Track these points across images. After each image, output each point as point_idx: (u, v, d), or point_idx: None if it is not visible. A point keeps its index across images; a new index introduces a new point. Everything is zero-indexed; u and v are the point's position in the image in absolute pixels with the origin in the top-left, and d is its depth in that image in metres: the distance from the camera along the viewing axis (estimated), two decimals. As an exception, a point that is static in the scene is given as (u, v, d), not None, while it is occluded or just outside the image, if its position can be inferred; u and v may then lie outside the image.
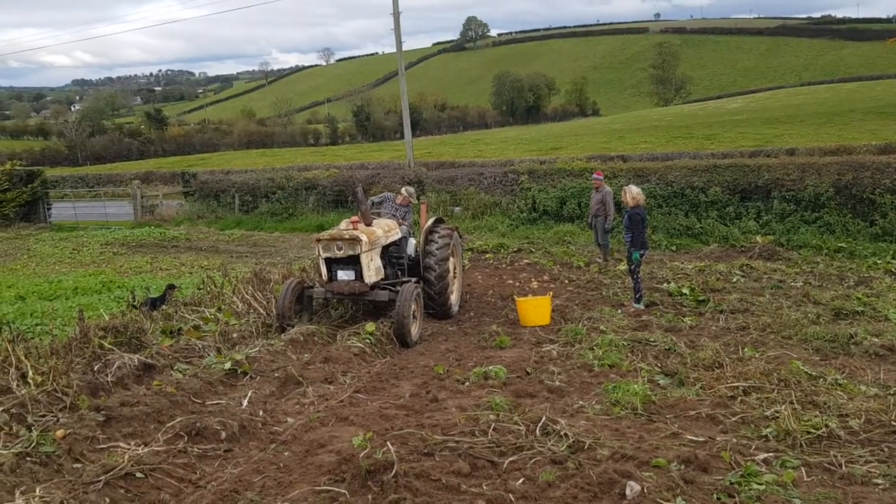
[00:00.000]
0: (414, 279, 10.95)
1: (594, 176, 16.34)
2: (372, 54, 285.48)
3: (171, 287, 11.58)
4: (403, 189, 12.50)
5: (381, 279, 10.41)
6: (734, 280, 13.15)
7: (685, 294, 11.92)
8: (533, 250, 17.67)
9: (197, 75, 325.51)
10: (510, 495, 4.86)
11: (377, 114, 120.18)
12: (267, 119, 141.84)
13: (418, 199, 12.85)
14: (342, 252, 9.83)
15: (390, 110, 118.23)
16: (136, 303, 10.83)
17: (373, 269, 10.04)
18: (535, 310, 10.76)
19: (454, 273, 11.87)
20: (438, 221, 11.95)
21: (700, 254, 16.65)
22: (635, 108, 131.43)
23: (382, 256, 10.69)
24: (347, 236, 9.80)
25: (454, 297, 11.85)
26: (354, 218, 10.44)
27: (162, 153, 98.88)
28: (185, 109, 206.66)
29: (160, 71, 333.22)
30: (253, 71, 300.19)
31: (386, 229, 10.79)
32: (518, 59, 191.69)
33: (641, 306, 11.29)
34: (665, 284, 12.79)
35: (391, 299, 10.06)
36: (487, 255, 17.22)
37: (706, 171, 19.55)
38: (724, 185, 19.00)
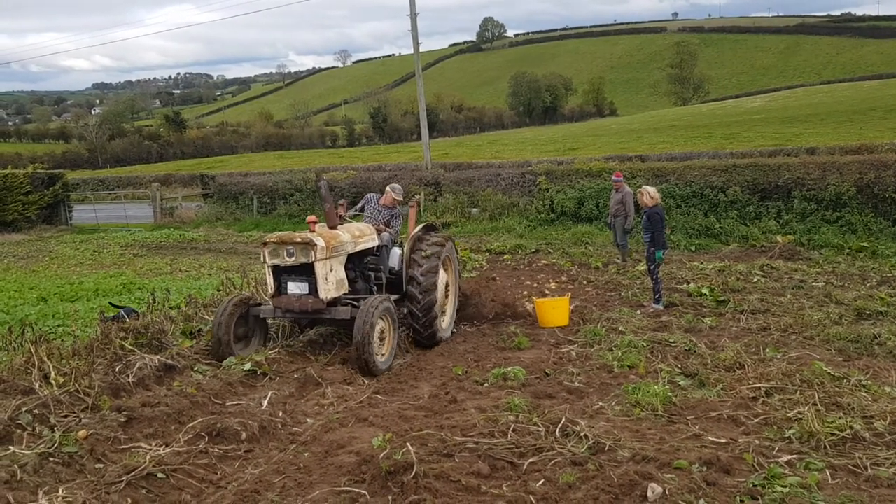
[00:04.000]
0: (394, 297, 9.22)
1: (613, 177, 16.26)
2: (388, 56, 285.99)
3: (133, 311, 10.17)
4: (388, 187, 10.51)
5: (345, 294, 8.73)
6: (755, 280, 13.02)
7: (705, 294, 11.82)
8: (551, 251, 17.61)
9: (215, 78, 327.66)
10: (530, 497, 4.84)
11: (394, 115, 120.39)
12: (284, 121, 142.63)
13: (405, 198, 11.04)
14: (293, 259, 8.18)
15: (407, 112, 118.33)
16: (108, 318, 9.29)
17: (332, 281, 8.37)
18: (554, 311, 10.70)
19: (447, 292, 10.25)
20: (429, 229, 10.32)
21: (720, 254, 16.51)
22: (653, 107, 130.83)
23: (352, 268, 9.13)
24: (299, 239, 8.15)
25: (446, 321, 10.17)
26: (312, 217, 8.65)
27: (181, 156, 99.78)
28: (203, 112, 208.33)
29: (178, 74, 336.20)
30: (270, 73, 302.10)
31: (356, 234, 9.08)
32: (535, 60, 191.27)
33: (661, 307, 11.21)
34: (685, 285, 12.70)
35: (354, 317, 8.19)
36: (505, 257, 17.18)
37: (725, 171, 19.41)
38: (743, 184, 18.85)
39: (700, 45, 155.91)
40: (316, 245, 8.09)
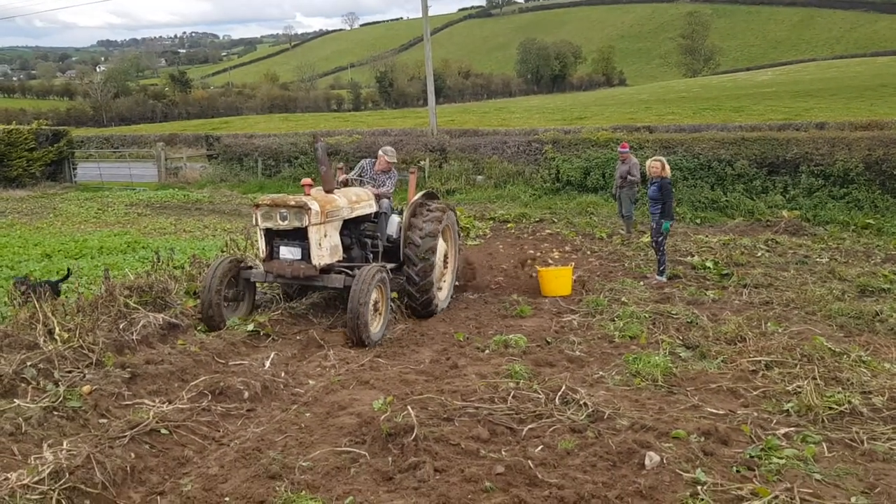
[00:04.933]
0: (390, 265, 9.02)
1: (620, 148, 16.18)
2: (396, 19, 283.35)
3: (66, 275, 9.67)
4: (380, 150, 9.95)
5: (339, 261, 8.50)
6: (759, 254, 13.02)
7: (709, 267, 11.83)
8: (555, 221, 17.60)
9: (221, 38, 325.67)
10: (529, 462, 4.88)
11: (400, 80, 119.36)
12: (290, 83, 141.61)
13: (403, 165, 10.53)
14: (286, 223, 7.92)
15: (414, 77, 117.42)
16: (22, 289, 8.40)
17: (326, 247, 8.12)
18: (557, 280, 10.72)
19: (445, 263, 9.97)
20: (429, 196, 10.00)
21: (725, 227, 16.50)
22: (663, 78, 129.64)
23: (348, 234, 8.87)
24: (293, 203, 7.87)
25: (444, 292, 9.96)
26: (307, 180, 8.39)
27: (185, 116, 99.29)
28: (208, 72, 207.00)
29: (184, 33, 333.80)
30: (277, 35, 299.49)
31: (353, 199, 8.77)
32: (544, 27, 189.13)
33: (664, 279, 11.22)
34: (689, 257, 12.71)
35: (347, 286, 7.98)
36: (509, 225, 17.17)
37: (734, 144, 19.30)
38: (751, 158, 18.76)
39: (712, 15, 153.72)
40: (310, 209, 7.82)
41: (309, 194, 8.14)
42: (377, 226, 9.36)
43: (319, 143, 8.52)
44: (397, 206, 10.08)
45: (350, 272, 8.25)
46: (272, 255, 8.24)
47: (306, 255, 8.03)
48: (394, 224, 9.54)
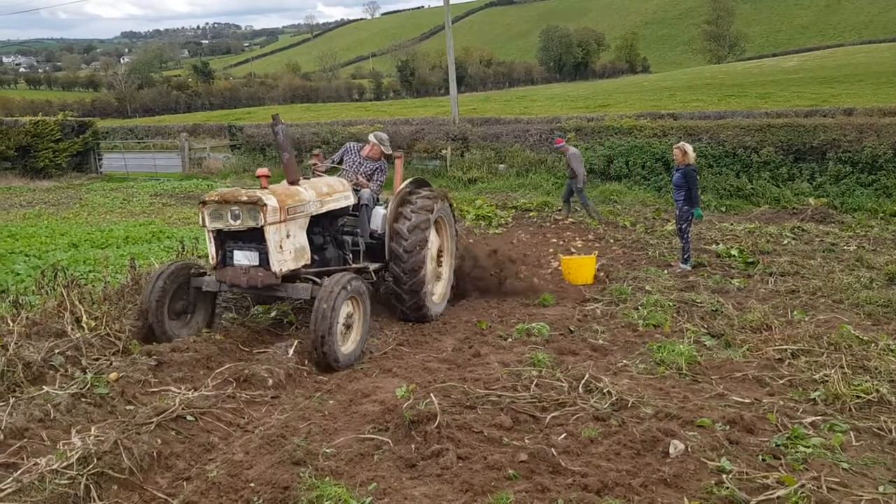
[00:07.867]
0: (374, 265, 8.08)
1: (558, 144, 16.87)
2: (417, 8, 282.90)
3: None
4: (373, 136, 8.90)
5: (307, 265, 7.23)
6: (785, 242, 12.87)
7: (734, 256, 11.72)
8: (578, 209, 17.47)
9: (243, 28, 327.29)
10: (552, 450, 4.87)
11: (422, 69, 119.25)
12: (312, 73, 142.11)
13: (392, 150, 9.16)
14: (239, 222, 6.61)
15: (435, 66, 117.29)
16: None
17: (289, 250, 6.86)
18: (580, 269, 10.66)
19: (440, 259, 8.96)
20: (419, 185, 8.83)
21: (750, 215, 16.32)
22: (687, 65, 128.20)
23: (320, 232, 7.72)
24: (245, 198, 6.57)
25: (438, 295, 8.90)
26: (263, 170, 7.04)
27: (209, 106, 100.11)
28: (231, 63, 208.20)
29: (207, 24, 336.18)
30: (298, 24, 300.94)
31: (324, 191, 7.52)
32: (567, 14, 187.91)
33: (688, 267, 11.12)
34: (714, 246, 12.59)
35: (315, 297, 6.74)
36: (531, 214, 17.11)
37: (759, 131, 19.06)
38: (777, 145, 18.52)
39: (738, 1, 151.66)
40: (266, 205, 6.54)
41: (266, 187, 6.90)
42: (358, 220, 8.27)
43: (280, 125, 7.13)
44: (384, 199, 8.93)
45: (318, 280, 7.04)
46: (225, 260, 6.98)
47: (265, 261, 6.78)
48: (378, 217, 8.44)
